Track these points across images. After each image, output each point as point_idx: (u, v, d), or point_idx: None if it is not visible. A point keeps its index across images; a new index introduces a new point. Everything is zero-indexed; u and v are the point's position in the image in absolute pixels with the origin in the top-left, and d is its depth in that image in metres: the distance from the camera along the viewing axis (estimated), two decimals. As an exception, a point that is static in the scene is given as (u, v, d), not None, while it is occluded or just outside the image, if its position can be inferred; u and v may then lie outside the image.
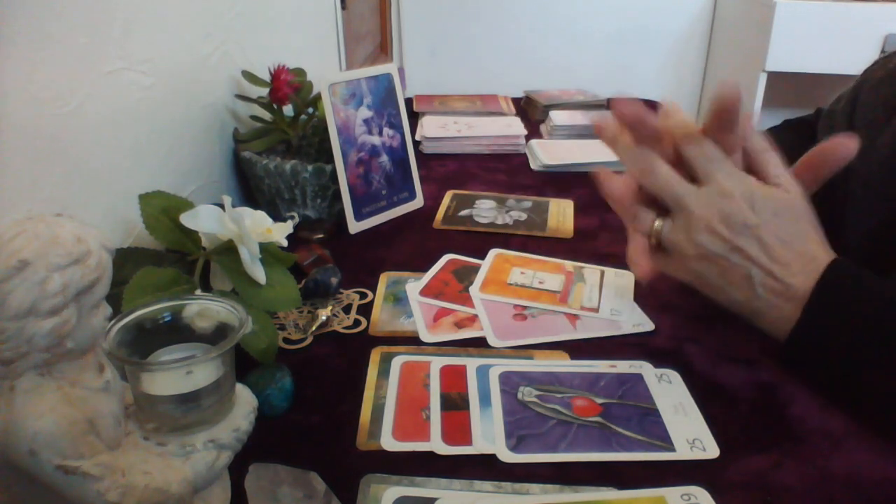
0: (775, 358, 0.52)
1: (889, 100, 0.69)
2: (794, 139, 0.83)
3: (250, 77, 0.78)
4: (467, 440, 0.44)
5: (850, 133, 0.52)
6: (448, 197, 0.86)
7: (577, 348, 0.55)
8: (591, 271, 0.67)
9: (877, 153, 0.69)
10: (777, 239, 0.49)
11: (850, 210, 0.72)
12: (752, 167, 0.52)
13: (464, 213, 0.81)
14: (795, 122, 0.87)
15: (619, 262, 0.67)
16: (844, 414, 0.47)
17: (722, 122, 0.50)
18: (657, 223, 0.52)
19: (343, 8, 1.38)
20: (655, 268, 0.54)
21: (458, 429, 0.45)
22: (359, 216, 0.75)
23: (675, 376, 0.51)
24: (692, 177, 0.52)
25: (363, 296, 0.62)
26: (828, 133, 0.77)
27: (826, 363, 0.48)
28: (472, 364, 0.52)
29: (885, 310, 0.47)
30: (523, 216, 0.80)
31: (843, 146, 0.52)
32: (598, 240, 0.75)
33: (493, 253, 0.70)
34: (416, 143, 1.00)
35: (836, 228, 0.75)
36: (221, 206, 0.52)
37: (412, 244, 0.73)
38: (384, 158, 0.78)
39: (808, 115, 0.86)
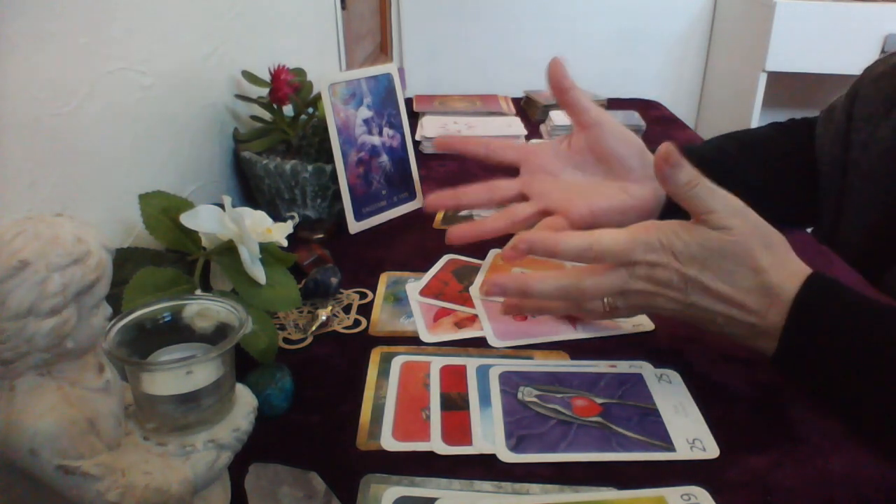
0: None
1: (889, 93, 0.69)
2: (791, 140, 0.82)
3: (250, 77, 0.78)
4: (467, 440, 0.44)
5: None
6: (448, 197, 0.86)
7: (577, 348, 0.55)
8: (591, 271, 0.67)
9: (876, 146, 0.69)
10: (721, 282, 0.47)
11: (848, 203, 0.72)
12: (685, 204, 0.48)
13: (464, 213, 0.81)
14: (786, 123, 0.86)
15: (619, 262, 0.67)
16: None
17: (560, 94, 0.55)
18: (608, 300, 0.51)
19: (343, 8, 1.38)
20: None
21: (458, 429, 0.45)
22: (359, 216, 0.75)
23: (675, 376, 0.51)
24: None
25: (363, 296, 0.62)
26: (825, 127, 0.77)
27: (808, 386, 0.49)
28: (472, 364, 0.52)
29: (859, 329, 0.46)
30: (523, 216, 0.80)
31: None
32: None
33: (493, 253, 0.70)
34: (416, 143, 1.00)
35: (835, 222, 0.75)
36: (221, 206, 0.52)
37: (412, 244, 0.73)
38: (384, 158, 0.78)
39: (804, 118, 0.86)
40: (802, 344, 0.46)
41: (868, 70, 0.74)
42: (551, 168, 0.64)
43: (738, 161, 0.73)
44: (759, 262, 0.47)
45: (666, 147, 0.47)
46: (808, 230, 0.80)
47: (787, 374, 0.50)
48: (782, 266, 0.47)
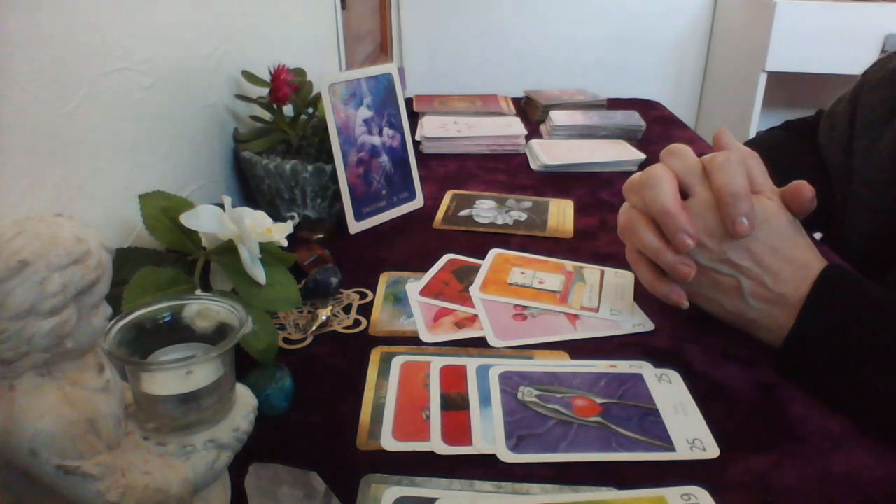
0: (774, 359, 0.52)
1: (889, 100, 0.69)
2: (793, 141, 0.83)
3: (250, 77, 0.78)
4: (467, 440, 0.44)
5: (807, 182, 0.51)
6: (448, 197, 0.86)
7: (577, 348, 0.55)
8: (591, 271, 0.67)
9: (878, 154, 0.69)
10: (766, 246, 0.49)
11: (850, 211, 0.73)
12: None
13: (464, 213, 0.81)
14: (796, 123, 0.87)
15: (619, 262, 0.67)
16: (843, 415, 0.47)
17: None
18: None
19: (343, 8, 1.38)
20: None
21: (458, 429, 0.45)
22: (359, 216, 0.75)
23: (675, 376, 0.51)
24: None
25: (363, 296, 0.62)
26: (829, 135, 0.77)
27: (821, 369, 0.48)
28: (472, 364, 0.52)
29: (879, 315, 0.47)
30: (523, 216, 0.80)
31: (802, 192, 0.51)
32: (598, 240, 0.75)
33: (493, 253, 0.70)
34: (416, 143, 1.00)
35: (837, 229, 0.75)
36: (221, 206, 0.52)
37: (412, 244, 0.73)
38: (384, 158, 0.78)
39: (810, 116, 0.86)
40: (824, 312, 0.47)
41: (868, 75, 0.74)
42: None
43: None
44: (800, 236, 0.51)
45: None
46: (818, 235, 0.80)
47: (799, 353, 0.49)
48: (811, 247, 0.51)
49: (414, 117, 1.15)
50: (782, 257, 0.49)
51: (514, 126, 1.12)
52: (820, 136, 0.79)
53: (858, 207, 0.71)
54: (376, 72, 0.77)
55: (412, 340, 0.55)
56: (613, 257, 0.69)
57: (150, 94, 0.60)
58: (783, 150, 0.80)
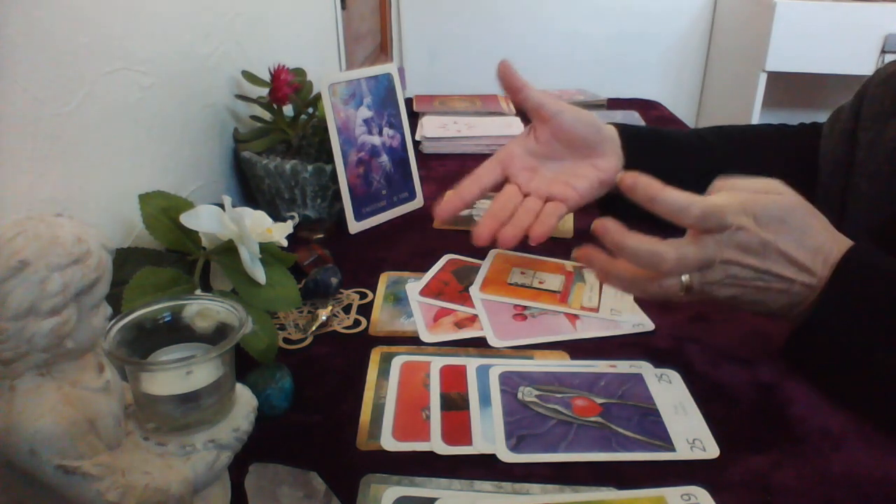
0: (775, 358, 0.52)
1: None
2: (789, 141, 0.82)
3: (250, 77, 0.78)
4: (467, 440, 0.44)
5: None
6: (448, 197, 0.86)
7: (577, 348, 0.55)
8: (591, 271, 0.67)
9: (883, 146, 0.68)
10: (793, 243, 0.49)
11: (852, 204, 0.72)
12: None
13: (464, 213, 0.81)
14: (807, 125, 0.87)
15: (619, 262, 0.67)
16: (844, 414, 0.47)
17: (514, 94, 0.60)
18: (685, 279, 0.49)
19: (343, 8, 1.38)
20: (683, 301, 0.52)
21: (458, 429, 0.45)
22: (359, 216, 0.75)
23: (675, 376, 0.51)
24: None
25: (363, 296, 0.62)
26: (832, 126, 0.77)
27: (836, 349, 0.48)
28: (472, 364, 0.52)
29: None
30: (523, 216, 0.80)
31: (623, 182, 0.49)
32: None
33: (493, 253, 0.70)
34: (416, 143, 1.00)
35: (838, 222, 0.75)
36: (221, 206, 0.52)
37: (412, 244, 0.73)
38: (384, 158, 0.78)
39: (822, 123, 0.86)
40: (843, 292, 0.47)
41: (878, 71, 0.74)
42: (530, 167, 0.68)
43: (716, 148, 0.75)
44: (819, 223, 0.50)
45: (625, 176, 0.49)
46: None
47: (815, 334, 0.49)
48: (827, 227, 0.50)
49: (414, 117, 1.15)
50: (808, 249, 0.49)
51: (514, 126, 1.12)
52: (823, 129, 0.79)
53: (860, 201, 0.71)
54: (376, 72, 0.77)
55: (412, 340, 0.55)
56: (613, 257, 0.69)
57: (150, 94, 0.60)
58: (761, 142, 0.80)
